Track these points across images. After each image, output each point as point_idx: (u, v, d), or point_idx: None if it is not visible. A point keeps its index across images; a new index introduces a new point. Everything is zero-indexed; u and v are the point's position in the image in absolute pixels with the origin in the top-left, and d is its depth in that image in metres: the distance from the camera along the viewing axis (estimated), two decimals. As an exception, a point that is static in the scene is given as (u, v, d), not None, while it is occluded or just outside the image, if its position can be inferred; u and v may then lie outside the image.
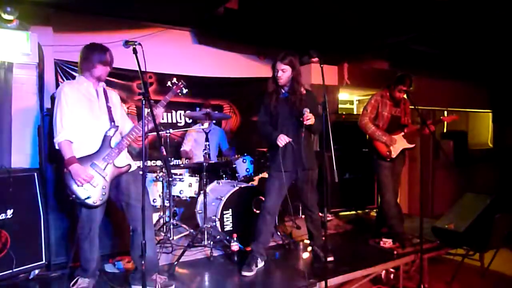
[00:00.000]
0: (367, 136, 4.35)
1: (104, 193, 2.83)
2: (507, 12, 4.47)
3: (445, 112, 8.09)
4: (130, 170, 2.99)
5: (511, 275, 4.49)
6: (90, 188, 2.77)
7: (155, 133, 2.75)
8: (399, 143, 4.31)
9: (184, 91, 3.19)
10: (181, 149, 5.21)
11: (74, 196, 2.75)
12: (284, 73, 3.42)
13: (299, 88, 3.47)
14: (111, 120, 2.96)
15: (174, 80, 3.20)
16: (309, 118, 3.26)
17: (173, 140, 5.21)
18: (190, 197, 4.43)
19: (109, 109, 2.98)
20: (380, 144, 4.27)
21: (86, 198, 2.76)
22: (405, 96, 4.31)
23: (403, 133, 4.34)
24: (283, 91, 3.53)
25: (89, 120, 2.86)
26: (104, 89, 3.04)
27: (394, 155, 4.27)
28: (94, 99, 2.93)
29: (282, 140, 3.35)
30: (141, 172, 2.89)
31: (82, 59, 2.91)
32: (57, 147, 2.77)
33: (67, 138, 2.75)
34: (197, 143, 5.12)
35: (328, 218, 5.25)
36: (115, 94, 3.18)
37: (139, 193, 2.85)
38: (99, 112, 2.92)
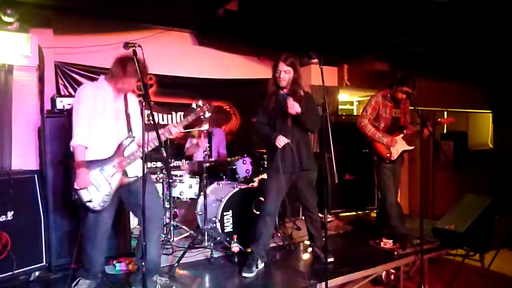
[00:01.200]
0: (368, 138, 4.35)
1: (106, 200, 2.81)
2: (506, 13, 4.48)
3: (445, 113, 8.09)
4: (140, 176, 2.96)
5: (511, 276, 4.49)
6: (94, 191, 2.77)
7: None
8: (399, 145, 4.30)
9: (207, 115, 3.17)
10: (186, 145, 5.18)
11: (77, 196, 2.75)
12: (287, 74, 3.42)
13: (299, 90, 3.47)
14: (129, 129, 2.92)
15: (200, 102, 3.17)
16: (292, 105, 3.25)
17: (173, 142, 5.22)
18: (190, 199, 4.44)
19: (128, 116, 2.94)
20: (381, 145, 4.26)
21: (87, 201, 2.76)
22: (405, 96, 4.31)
23: (402, 135, 4.33)
24: (282, 93, 3.53)
25: (103, 123, 2.84)
26: (124, 94, 3.00)
27: (394, 156, 4.26)
28: (110, 102, 2.89)
29: (281, 141, 3.35)
30: (151, 175, 2.88)
31: (117, 64, 2.86)
32: (71, 150, 2.77)
33: (81, 143, 2.75)
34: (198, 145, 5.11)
35: (329, 219, 5.26)
36: (135, 99, 3.06)
37: (151, 194, 2.85)
38: (114, 117, 2.89)
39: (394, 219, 4.22)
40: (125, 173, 2.88)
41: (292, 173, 3.48)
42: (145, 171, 2.57)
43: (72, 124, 2.80)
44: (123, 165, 2.86)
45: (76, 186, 2.71)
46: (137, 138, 2.96)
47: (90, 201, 2.76)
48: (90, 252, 2.96)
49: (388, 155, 4.23)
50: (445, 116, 7.98)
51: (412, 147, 4.41)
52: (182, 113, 5.49)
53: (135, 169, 2.94)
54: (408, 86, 4.07)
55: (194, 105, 3.20)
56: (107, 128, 2.86)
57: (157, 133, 2.68)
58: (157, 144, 2.79)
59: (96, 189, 2.78)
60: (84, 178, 2.72)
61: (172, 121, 5.48)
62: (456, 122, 4.61)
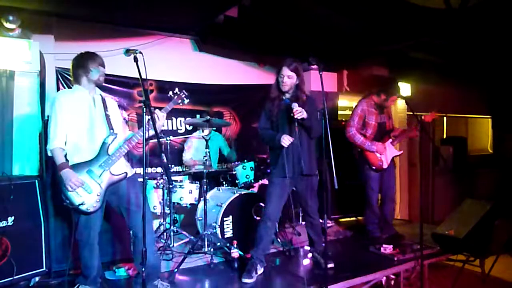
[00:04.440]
0: (357, 147, 4.41)
1: (98, 200, 2.83)
2: (505, 18, 4.50)
3: (444, 118, 8.11)
4: (128, 176, 3.00)
5: (511, 281, 4.48)
6: (85, 194, 2.78)
7: (155, 140, 2.77)
8: (389, 151, 4.37)
9: (186, 101, 3.21)
10: (183, 158, 5.22)
11: (68, 201, 2.76)
12: (290, 79, 3.43)
13: (302, 95, 3.48)
14: (110, 127, 2.97)
15: (176, 90, 3.22)
16: (299, 112, 3.24)
17: (173, 147, 5.23)
18: (190, 204, 4.43)
19: (107, 117, 3.00)
20: (371, 154, 4.33)
21: (79, 204, 2.77)
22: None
23: (391, 139, 4.38)
24: (285, 98, 3.53)
25: (84, 127, 2.89)
26: (102, 97, 3.07)
27: (386, 165, 4.34)
28: (90, 107, 2.95)
29: (286, 140, 3.33)
30: (139, 179, 2.91)
31: (75, 66, 2.96)
32: (49, 154, 2.82)
33: (59, 146, 2.80)
34: (197, 151, 5.13)
35: (329, 225, 5.25)
36: (113, 101, 3.20)
37: (138, 198, 2.88)
38: (95, 120, 2.94)
39: (370, 223, 4.59)
40: (112, 171, 2.90)
41: (294, 178, 3.49)
42: (144, 177, 2.59)
43: (47, 130, 2.86)
44: (109, 164, 2.88)
45: (69, 189, 2.72)
46: (119, 135, 3.01)
47: (82, 203, 2.77)
48: (87, 256, 2.96)
49: (380, 163, 4.31)
50: (445, 122, 8.02)
51: (400, 152, 4.52)
52: (182, 119, 5.52)
53: (122, 167, 2.98)
54: (396, 94, 4.19)
55: (170, 93, 3.22)
56: (88, 132, 2.89)
57: (157, 137, 2.71)
58: (137, 140, 2.90)
59: (86, 192, 2.79)
60: (72, 177, 2.72)
61: (173, 127, 5.50)
62: (438, 118, 4.70)
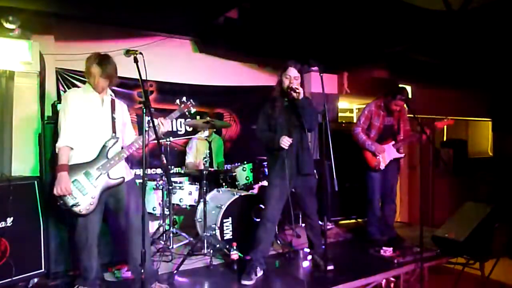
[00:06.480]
0: (360, 146, 4.41)
1: (91, 203, 2.80)
2: (505, 20, 4.50)
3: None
4: (126, 180, 2.98)
5: (511, 285, 4.47)
6: (79, 195, 2.76)
7: (155, 141, 2.76)
8: (389, 153, 4.36)
9: (192, 110, 3.21)
10: (187, 161, 5.19)
11: (62, 202, 2.75)
12: (296, 80, 3.44)
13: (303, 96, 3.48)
14: (113, 130, 2.96)
15: (184, 98, 3.21)
16: (297, 87, 3.29)
17: (173, 149, 5.22)
18: (190, 206, 4.43)
19: (113, 119, 2.98)
20: (369, 154, 4.34)
21: (72, 205, 2.74)
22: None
23: (393, 142, 4.39)
24: (285, 99, 3.52)
25: (88, 128, 2.87)
26: (112, 99, 3.05)
27: (383, 166, 4.34)
28: (97, 108, 2.94)
29: (286, 141, 3.33)
30: (137, 181, 2.89)
31: (86, 68, 2.93)
32: (57, 151, 2.80)
33: (67, 144, 2.79)
34: (198, 152, 5.11)
35: (328, 227, 5.24)
36: (122, 104, 3.17)
37: (136, 201, 2.87)
38: (100, 121, 2.93)
39: (371, 225, 4.57)
40: (109, 175, 2.88)
41: (292, 179, 3.48)
42: (144, 178, 2.58)
43: (58, 127, 2.84)
44: (107, 167, 2.86)
45: (54, 192, 2.70)
46: (120, 139, 2.99)
47: (75, 205, 2.75)
48: (86, 258, 2.95)
49: (376, 164, 4.32)
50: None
51: (402, 155, 4.49)
52: (182, 120, 5.51)
53: (120, 171, 2.96)
54: (400, 100, 4.18)
55: (177, 101, 3.24)
56: (92, 133, 2.88)
57: (157, 138, 2.70)
58: (138, 146, 2.90)
59: (81, 193, 2.77)
60: (64, 184, 2.70)
61: (173, 128, 5.49)
62: (453, 125, 4.67)
